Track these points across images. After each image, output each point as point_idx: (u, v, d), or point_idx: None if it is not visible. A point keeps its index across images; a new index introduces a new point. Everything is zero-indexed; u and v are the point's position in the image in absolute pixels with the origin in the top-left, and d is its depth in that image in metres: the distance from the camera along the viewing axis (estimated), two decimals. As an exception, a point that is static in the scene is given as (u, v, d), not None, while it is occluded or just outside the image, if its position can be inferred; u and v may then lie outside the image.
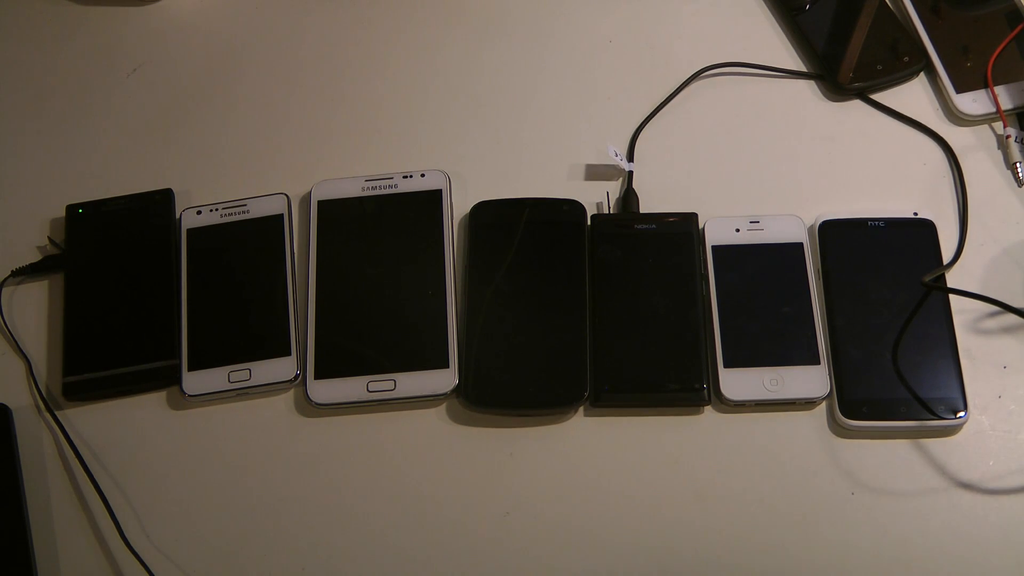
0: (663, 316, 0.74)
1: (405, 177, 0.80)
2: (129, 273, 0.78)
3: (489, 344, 0.74)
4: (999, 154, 0.80)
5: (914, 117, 0.82)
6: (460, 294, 0.76)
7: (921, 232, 0.76)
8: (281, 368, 0.74)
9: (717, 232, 0.77)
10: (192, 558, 0.71)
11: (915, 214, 0.77)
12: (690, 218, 0.77)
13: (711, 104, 0.84)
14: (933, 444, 0.71)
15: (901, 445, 0.71)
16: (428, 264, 0.77)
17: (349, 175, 0.81)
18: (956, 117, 0.82)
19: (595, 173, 0.82)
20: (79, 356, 0.76)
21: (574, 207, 0.78)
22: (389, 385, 0.73)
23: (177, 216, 0.80)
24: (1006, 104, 0.80)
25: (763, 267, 0.75)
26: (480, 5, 0.90)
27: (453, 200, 0.80)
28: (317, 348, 0.75)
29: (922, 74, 0.84)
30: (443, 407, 0.74)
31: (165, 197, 0.81)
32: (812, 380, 0.71)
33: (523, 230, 0.77)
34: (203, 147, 0.85)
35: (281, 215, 0.79)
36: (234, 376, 0.74)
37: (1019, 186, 0.79)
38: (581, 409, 0.73)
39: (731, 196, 0.80)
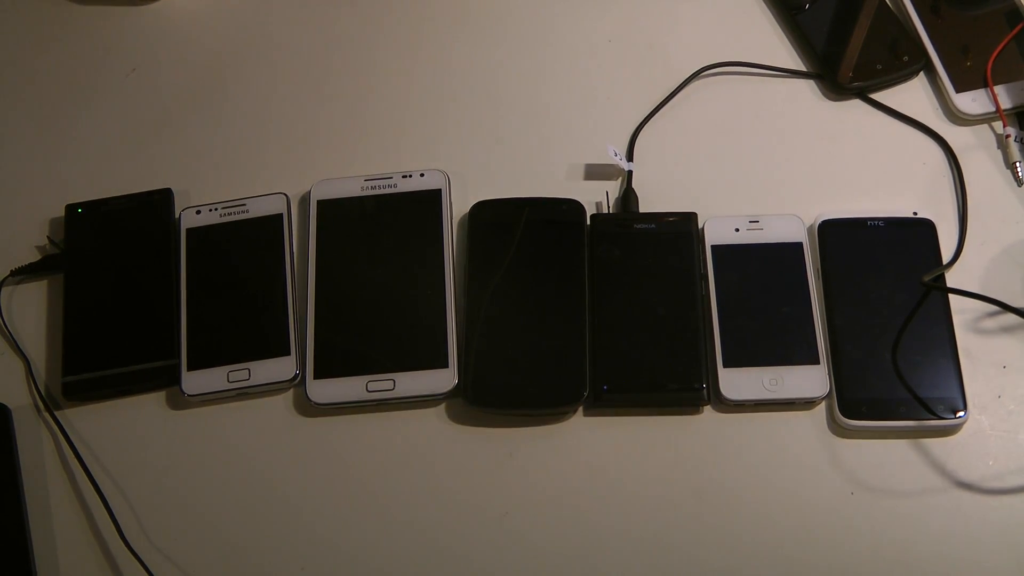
0: (662, 316, 0.74)
1: (404, 177, 0.80)
2: (128, 273, 0.78)
3: (488, 344, 0.74)
4: (999, 154, 0.80)
5: (914, 117, 0.82)
6: (459, 294, 0.76)
7: (921, 232, 0.76)
8: (280, 368, 0.74)
9: (716, 232, 0.77)
10: (191, 558, 0.71)
11: (915, 214, 0.77)
12: (690, 218, 0.77)
13: (711, 104, 0.84)
14: (932, 444, 0.71)
15: (900, 445, 0.71)
16: (427, 264, 0.77)
17: (348, 175, 0.81)
18: (956, 116, 0.81)
19: (594, 173, 0.82)
20: (78, 356, 0.76)
21: (573, 207, 0.78)
22: (388, 385, 0.73)
23: (176, 216, 0.80)
24: (1006, 104, 0.80)
25: (763, 267, 0.75)
26: (480, 5, 0.90)
27: (452, 200, 0.79)
28: (316, 348, 0.75)
29: (922, 73, 0.84)
30: (442, 407, 0.74)
31: (164, 197, 0.81)
32: (811, 380, 0.71)
33: (522, 230, 0.77)
34: (202, 147, 0.85)
35: (280, 215, 0.79)
36: (233, 376, 0.74)
37: (1019, 185, 0.79)
38: (580, 409, 0.73)
39: (730, 196, 0.80)
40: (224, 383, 0.74)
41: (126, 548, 0.70)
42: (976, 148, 0.80)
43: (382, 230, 0.78)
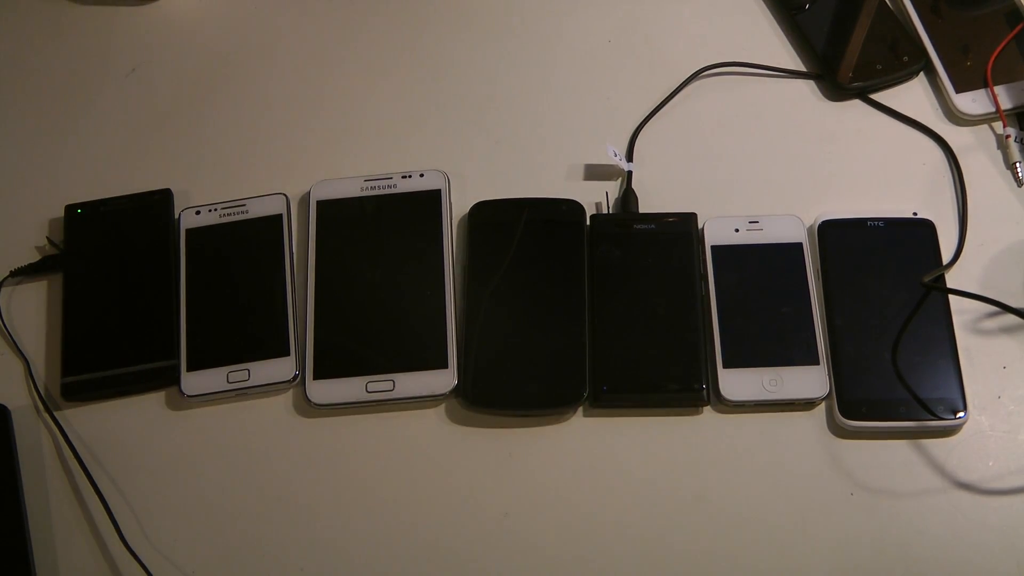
0: (662, 316, 0.74)
1: (404, 177, 0.80)
2: (128, 273, 0.78)
3: (488, 344, 0.74)
4: (998, 154, 0.80)
5: (914, 117, 0.82)
6: (459, 294, 0.76)
7: (920, 232, 0.76)
8: (280, 368, 0.74)
9: (716, 232, 0.77)
10: (191, 558, 0.71)
11: (914, 214, 0.77)
12: (689, 218, 0.77)
13: (710, 104, 0.84)
14: (932, 444, 0.71)
15: (900, 445, 0.71)
16: (427, 264, 0.77)
17: (348, 175, 0.81)
18: (956, 117, 0.81)
19: (594, 173, 0.82)
20: (78, 356, 0.76)
21: (573, 207, 0.78)
22: (388, 385, 0.73)
23: (176, 216, 0.80)
24: (1005, 104, 0.80)
25: (762, 267, 0.75)
26: (480, 6, 0.90)
27: (452, 200, 0.79)
28: (316, 348, 0.75)
29: (922, 74, 0.84)
30: (442, 407, 0.74)
31: (164, 197, 0.81)
32: (811, 380, 0.71)
33: (522, 230, 0.77)
34: (202, 147, 0.85)
35: (280, 215, 0.79)
36: (233, 376, 0.74)
37: (1019, 186, 0.79)
38: (580, 409, 0.73)
39: (730, 196, 0.80)
40: (224, 384, 0.74)
41: (125, 548, 0.70)
42: (976, 148, 0.80)
43: (382, 230, 0.78)
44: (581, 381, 0.72)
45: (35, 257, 0.81)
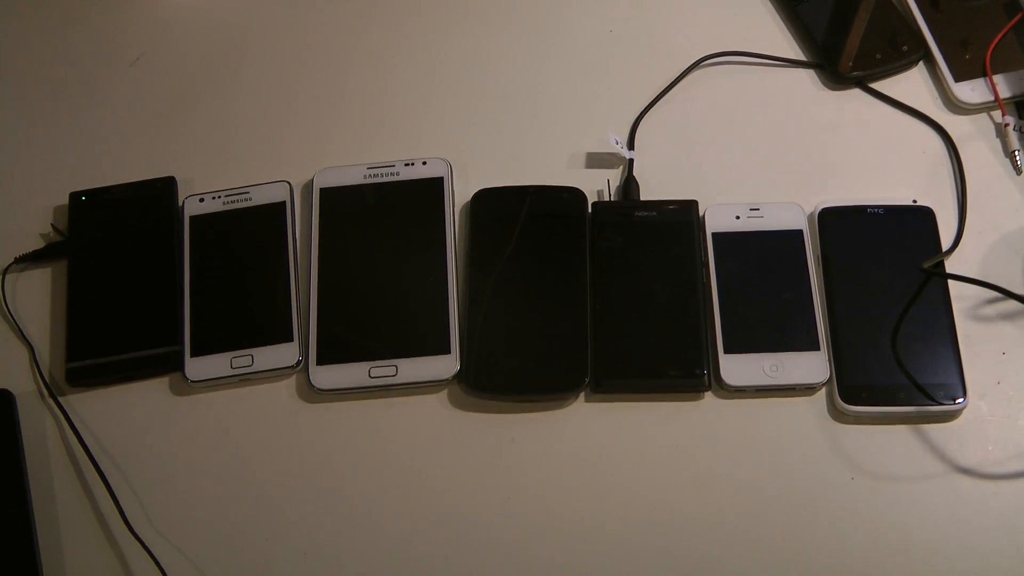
0: (663, 302, 0.74)
1: (407, 165, 0.80)
2: (132, 260, 0.78)
3: (490, 330, 0.74)
4: (997, 142, 0.80)
5: (913, 106, 0.82)
6: (461, 281, 0.77)
7: (920, 219, 0.76)
8: (283, 354, 0.75)
9: (717, 219, 0.77)
10: (194, 543, 0.71)
11: (914, 201, 0.77)
12: (690, 205, 0.77)
13: (711, 93, 0.84)
14: (932, 430, 0.71)
15: (900, 431, 0.71)
16: (430, 251, 0.77)
17: (351, 163, 0.81)
18: (955, 106, 0.82)
19: (596, 161, 0.82)
20: (82, 342, 0.76)
21: (575, 195, 0.78)
22: (391, 371, 0.73)
23: (180, 203, 0.81)
24: (1004, 93, 0.81)
25: (763, 254, 0.75)
26: (481, -5, 0.90)
27: (455, 188, 0.80)
28: (319, 334, 0.75)
29: (921, 63, 0.84)
30: (444, 393, 0.74)
31: (168, 184, 0.81)
32: (812, 366, 0.72)
33: (524, 218, 0.78)
34: (206, 135, 0.85)
35: (283, 202, 0.80)
36: (236, 362, 0.75)
37: (1018, 174, 0.79)
38: (582, 395, 0.74)
39: (731, 184, 0.80)
40: (227, 369, 0.74)
41: (129, 532, 0.70)
42: (975, 137, 0.81)
43: (384, 218, 0.78)
44: (583, 367, 0.72)
45: (39, 244, 0.81)
